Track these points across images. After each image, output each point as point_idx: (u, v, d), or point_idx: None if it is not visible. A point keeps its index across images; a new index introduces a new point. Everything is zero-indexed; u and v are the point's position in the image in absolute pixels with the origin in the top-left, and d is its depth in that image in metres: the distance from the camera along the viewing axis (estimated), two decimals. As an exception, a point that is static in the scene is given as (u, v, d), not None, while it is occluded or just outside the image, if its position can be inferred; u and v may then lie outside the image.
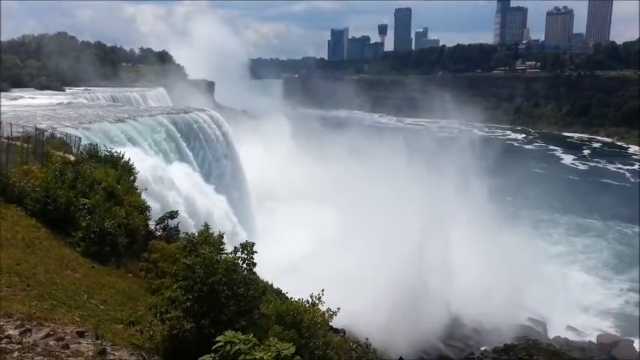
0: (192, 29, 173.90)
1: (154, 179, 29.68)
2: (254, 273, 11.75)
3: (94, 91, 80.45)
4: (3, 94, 61.99)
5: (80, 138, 28.59)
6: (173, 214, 21.38)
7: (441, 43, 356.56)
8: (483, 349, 38.30)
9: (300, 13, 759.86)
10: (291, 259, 37.81)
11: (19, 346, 7.66)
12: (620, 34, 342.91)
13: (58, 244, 15.47)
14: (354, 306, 30.06)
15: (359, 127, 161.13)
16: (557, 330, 47.36)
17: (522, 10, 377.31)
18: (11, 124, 24.21)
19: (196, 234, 12.47)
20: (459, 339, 39.11)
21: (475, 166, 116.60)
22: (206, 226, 13.27)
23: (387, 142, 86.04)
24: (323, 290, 16.01)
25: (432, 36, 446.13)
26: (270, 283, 25.90)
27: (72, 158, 22.61)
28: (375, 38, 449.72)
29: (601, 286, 60.93)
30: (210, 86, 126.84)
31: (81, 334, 8.61)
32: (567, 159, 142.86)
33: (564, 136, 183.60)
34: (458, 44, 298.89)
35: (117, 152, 25.00)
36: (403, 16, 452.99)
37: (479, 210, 63.48)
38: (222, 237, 12.33)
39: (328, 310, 15.05)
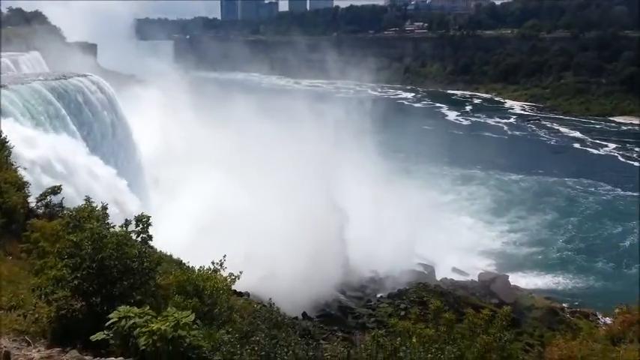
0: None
1: (33, 152, 27.30)
2: (151, 247, 11.52)
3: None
4: None
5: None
6: (55, 190, 19.88)
7: (334, 4, 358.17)
8: (379, 295, 41.18)
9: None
10: (191, 227, 37.16)
11: None
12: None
13: None
14: (256, 269, 30.63)
15: (257, 90, 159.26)
16: (444, 272, 52.15)
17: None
18: None
19: (78, 209, 11.86)
20: (358, 289, 41.69)
21: (370, 124, 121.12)
22: (88, 199, 12.62)
23: (286, 104, 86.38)
24: (225, 256, 16.13)
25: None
26: (169, 253, 25.47)
27: None
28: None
29: (483, 229, 67.72)
30: (91, 49, 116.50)
31: (-47, 325, 8.01)
32: (452, 115, 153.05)
33: (449, 93, 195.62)
34: (351, 5, 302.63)
35: (-16, 125, 22.51)
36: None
37: (373, 166, 66.75)
38: (106, 209, 11.87)
39: (230, 275, 15.23)
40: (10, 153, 21.93)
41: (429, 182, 79.41)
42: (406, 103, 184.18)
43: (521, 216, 71.88)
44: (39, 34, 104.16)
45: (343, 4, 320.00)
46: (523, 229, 67.93)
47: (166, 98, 72.95)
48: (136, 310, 8.44)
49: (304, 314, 34.58)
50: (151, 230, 11.57)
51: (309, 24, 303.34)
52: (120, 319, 8.17)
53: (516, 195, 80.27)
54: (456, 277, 51.09)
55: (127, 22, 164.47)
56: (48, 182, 24.27)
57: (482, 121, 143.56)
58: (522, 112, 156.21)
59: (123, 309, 8.37)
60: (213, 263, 14.23)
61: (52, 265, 10.41)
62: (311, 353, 10.29)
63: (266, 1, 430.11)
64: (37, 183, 23.69)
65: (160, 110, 67.36)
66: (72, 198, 21.94)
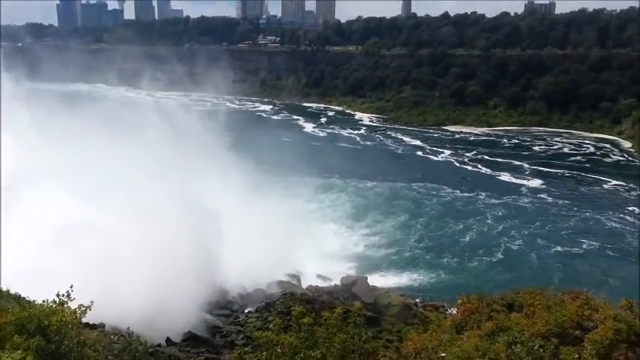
0: None
1: None
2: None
3: None
4: None
5: None
6: None
7: (185, 14, 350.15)
8: (248, 310, 40.60)
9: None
10: (33, 255, 32.76)
11: None
12: (344, 12, 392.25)
13: None
14: (112, 295, 28.15)
15: (106, 103, 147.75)
16: (310, 279, 53.44)
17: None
18: None
19: None
20: (225, 306, 40.63)
21: (231, 137, 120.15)
22: None
23: (139, 119, 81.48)
24: (72, 286, 14.60)
25: (175, 6, 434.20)
26: (5, 289, 22.35)
27: None
28: (113, 5, 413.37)
29: (345, 234, 71.02)
30: None
31: None
32: (309, 127, 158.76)
33: (305, 106, 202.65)
34: (202, 16, 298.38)
35: None
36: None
37: (236, 179, 66.19)
38: None
39: (80, 306, 13.82)
40: None
41: (292, 192, 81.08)
42: (265, 115, 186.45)
43: (377, 220, 76.85)
44: None
45: (194, 15, 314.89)
46: (380, 232, 72.68)
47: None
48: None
49: (168, 340, 32.69)
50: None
51: (159, 33, 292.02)
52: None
53: (372, 200, 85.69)
54: (321, 283, 52.69)
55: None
56: None
57: (336, 132, 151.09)
58: (371, 123, 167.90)
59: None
60: (58, 295, 12.89)
61: None
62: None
63: (109, 8, 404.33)
64: None
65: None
66: None
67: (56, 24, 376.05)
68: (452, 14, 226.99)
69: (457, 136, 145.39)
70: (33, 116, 68.00)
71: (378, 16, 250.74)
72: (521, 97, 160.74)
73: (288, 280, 50.10)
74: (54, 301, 12.72)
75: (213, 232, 42.51)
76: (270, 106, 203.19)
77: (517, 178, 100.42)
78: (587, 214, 79.66)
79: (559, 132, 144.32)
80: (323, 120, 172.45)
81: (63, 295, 13.16)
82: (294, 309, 20.68)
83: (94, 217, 35.39)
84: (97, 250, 32.51)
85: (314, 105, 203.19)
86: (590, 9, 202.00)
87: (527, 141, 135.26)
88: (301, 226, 66.06)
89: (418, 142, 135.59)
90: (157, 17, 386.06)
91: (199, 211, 42.99)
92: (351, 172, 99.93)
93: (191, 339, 33.59)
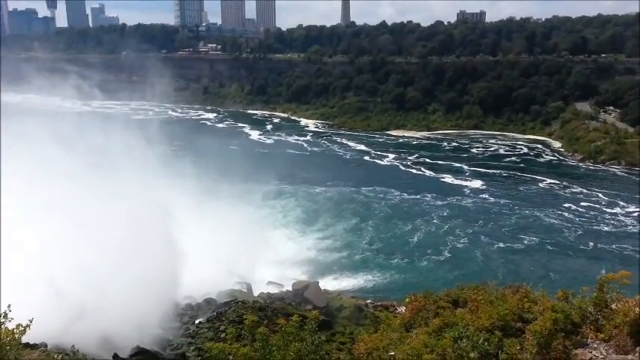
0: None
1: None
2: None
3: None
4: None
5: None
6: None
7: (121, 22, 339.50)
8: (198, 321, 39.68)
9: None
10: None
11: None
12: (284, 20, 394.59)
13: None
14: (57, 313, 26.94)
15: (39, 115, 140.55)
16: (261, 286, 53.04)
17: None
18: None
19: None
20: (175, 319, 39.56)
21: (176, 146, 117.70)
22: None
23: (75, 129, 78.25)
24: (9, 306, 13.96)
25: (110, 13, 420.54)
26: None
27: None
28: (43, 12, 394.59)
29: (297, 239, 71.10)
30: None
31: None
32: (255, 134, 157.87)
33: (249, 113, 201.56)
34: (139, 23, 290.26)
35: None
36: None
37: (183, 188, 64.71)
38: None
39: (18, 326, 13.22)
40: None
41: (241, 199, 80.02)
42: (209, 123, 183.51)
43: (328, 224, 77.67)
44: None
45: (130, 22, 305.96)
46: (331, 235, 73.45)
47: None
48: None
49: (115, 356, 31.43)
50: None
51: (94, 41, 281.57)
52: None
53: (322, 205, 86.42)
54: (273, 290, 52.43)
55: None
56: None
57: (283, 139, 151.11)
58: (316, 129, 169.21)
59: None
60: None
61: None
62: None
63: (40, 16, 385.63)
64: None
65: None
66: None
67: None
68: (389, 23, 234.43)
69: (400, 140, 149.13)
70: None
71: (318, 24, 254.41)
72: (458, 101, 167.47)
73: (239, 288, 49.50)
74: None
75: (162, 243, 41.31)
76: (214, 114, 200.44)
77: (459, 179, 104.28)
78: (527, 211, 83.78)
79: (494, 134, 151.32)
80: (269, 127, 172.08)
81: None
82: (246, 317, 20.59)
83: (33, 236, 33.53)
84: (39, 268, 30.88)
85: (259, 112, 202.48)
86: (518, 18, 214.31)
87: (466, 144, 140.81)
88: (252, 233, 65.38)
89: (363, 147, 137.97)
90: (90, 25, 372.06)
91: (146, 223, 41.62)
92: (300, 178, 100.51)
93: (140, 354, 32.46)
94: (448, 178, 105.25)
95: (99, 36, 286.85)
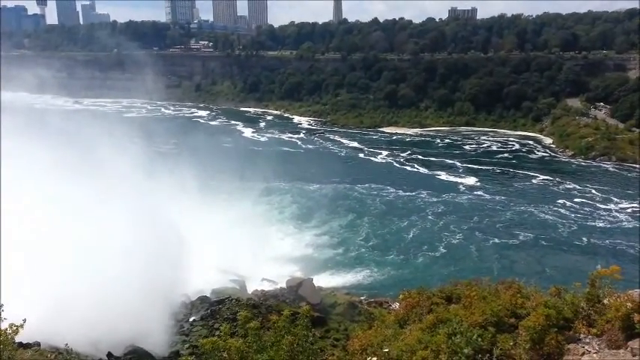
0: None
1: None
2: None
3: None
4: None
5: None
6: None
7: (111, 19, 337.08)
8: (192, 319, 39.68)
9: None
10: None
11: None
12: (276, 17, 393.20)
13: None
14: (52, 314, 26.85)
15: (31, 112, 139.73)
16: (255, 284, 53.05)
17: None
18: None
19: None
20: (169, 317, 39.48)
21: (171, 144, 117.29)
22: None
23: (69, 127, 78.14)
24: (1, 306, 13.88)
25: (100, 10, 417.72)
26: None
27: None
28: (33, 9, 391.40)
29: (292, 236, 71.12)
30: None
31: None
32: (248, 132, 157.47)
33: (242, 110, 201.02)
34: (130, 20, 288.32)
35: None
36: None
37: (177, 185, 64.77)
38: None
39: (11, 325, 13.15)
40: None
41: (237, 196, 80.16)
42: (202, 121, 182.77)
43: (323, 220, 77.77)
44: None
45: (121, 19, 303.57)
46: (326, 232, 73.58)
47: None
48: None
49: (109, 355, 31.41)
50: None
51: (84, 38, 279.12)
52: None
53: (317, 201, 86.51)
54: (267, 287, 52.49)
55: None
56: None
57: (277, 136, 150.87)
58: (309, 126, 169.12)
59: None
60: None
61: None
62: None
63: (30, 12, 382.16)
64: None
65: None
66: None
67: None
68: (381, 20, 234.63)
69: (394, 137, 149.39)
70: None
71: (310, 21, 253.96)
72: (450, 98, 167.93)
73: (234, 285, 49.51)
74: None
75: (162, 244, 41.17)
76: (207, 112, 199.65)
77: (453, 176, 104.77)
78: (521, 207, 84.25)
79: (485, 131, 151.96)
80: (262, 124, 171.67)
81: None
82: (240, 314, 20.55)
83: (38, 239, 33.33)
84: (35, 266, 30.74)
85: (251, 110, 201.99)
86: (509, 14, 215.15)
87: (458, 140, 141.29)
88: (247, 230, 65.35)
89: (357, 144, 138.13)
90: (81, 22, 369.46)
91: (148, 226, 41.46)
92: (295, 175, 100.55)
93: (134, 352, 32.47)
94: (442, 175, 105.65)
95: (89, 33, 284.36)
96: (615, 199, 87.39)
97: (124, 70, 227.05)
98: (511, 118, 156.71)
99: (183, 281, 42.95)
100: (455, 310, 17.57)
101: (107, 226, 36.94)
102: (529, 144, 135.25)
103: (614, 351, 12.78)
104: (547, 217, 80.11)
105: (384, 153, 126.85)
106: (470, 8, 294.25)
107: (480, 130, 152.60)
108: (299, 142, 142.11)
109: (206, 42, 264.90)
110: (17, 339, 14.02)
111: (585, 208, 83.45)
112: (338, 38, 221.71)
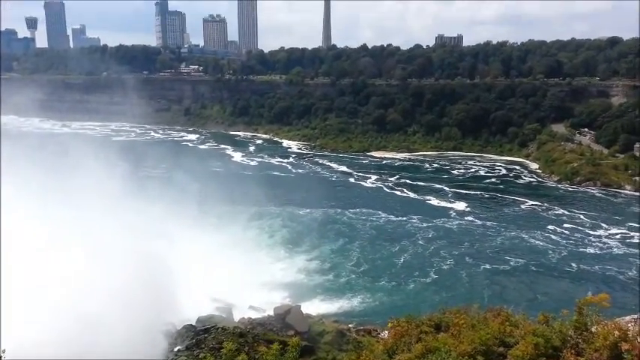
0: None
1: None
2: None
3: None
4: None
5: None
6: None
7: (102, 43, 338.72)
8: (177, 349, 38.75)
9: None
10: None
11: None
12: (266, 43, 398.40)
13: None
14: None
15: (20, 137, 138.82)
16: (242, 311, 52.10)
17: (180, 15, 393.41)
18: None
19: None
20: (155, 348, 38.46)
21: (162, 169, 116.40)
22: None
23: (55, 151, 77.78)
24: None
25: (91, 34, 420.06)
26: None
27: None
28: (24, 33, 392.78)
29: (281, 262, 70.26)
30: None
31: None
32: (237, 156, 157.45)
33: (232, 134, 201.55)
34: (120, 44, 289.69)
35: None
36: (55, 11, 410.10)
37: (165, 212, 64.17)
38: None
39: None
40: None
41: (226, 220, 79.21)
42: (191, 145, 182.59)
43: (314, 245, 77.21)
44: None
45: (112, 43, 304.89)
46: (317, 256, 73.00)
47: None
48: None
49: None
50: None
51: (74, 62, 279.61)
52: None
53: (307, 226, 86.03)
54: (254, 315, 51.43)
55: None
56: None
57: (266, 161, 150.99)
58: (299, 150, 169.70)
59: None
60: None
61: None
62: None
63: (20, 36, 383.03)
64: None
65: None
66: None
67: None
68: (369, 46, 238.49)
69: (383, 162, 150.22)
70: None
71: (300, 47, 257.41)
72: (437, 123, 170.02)
73: (220, 313, 48.61)
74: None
75: (150, 275, 40.52)
76: (197, 136, 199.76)
77: (442, 201, 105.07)
78: (511, 233, 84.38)
79: (473, 156, 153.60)
80: (251, 148, 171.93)
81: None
82: (225, 346, 20.12)
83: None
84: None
85: (241, 133, 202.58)
86: (494, 42, 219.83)
87: (447, 165, 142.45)
88: (236, 255, 64.60)
89: (346, 169, 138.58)
90: (71, 45, 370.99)
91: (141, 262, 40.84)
92: (285, 199, 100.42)
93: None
94: (431, 200, 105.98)
95: (79, 57, 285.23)
96: (604, 225, 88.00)
97: (113, 94, 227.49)
98: (497, 144, 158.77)
99: (170, 310, 42.10)
100: (443, 339, 17.39)
101: (93, 259, 36.40)
102: (516, 169, 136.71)
103: (603, 381, 12.70)
104: (537, 242, 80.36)
105: (374, 177, 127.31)
106: (456, 35, 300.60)
107: (467, 155, 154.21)
108: (289, 167, 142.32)
109: (196, 66, 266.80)
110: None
111: (575, 234, 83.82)
112: (327, 64, 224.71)
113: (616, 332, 13.71)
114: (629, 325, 15.54)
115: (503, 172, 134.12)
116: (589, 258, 74.18)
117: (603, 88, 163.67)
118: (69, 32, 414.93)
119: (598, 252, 76.50)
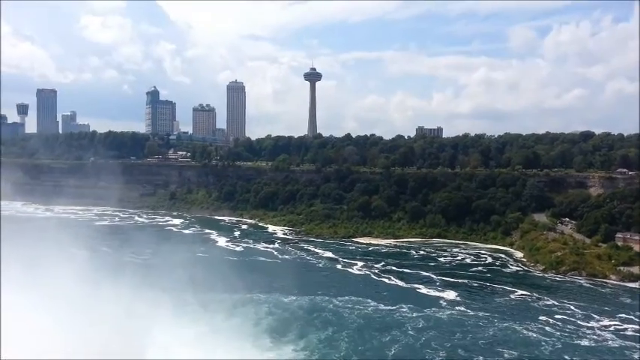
0: None
1: None
2: None
3: None
4: None
5: None
6: None
7: (91, 129, 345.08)
8: None
9: None
10: None
11: None
12: (254, 131, 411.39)
13: None
14: None
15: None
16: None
17: (171, 104, 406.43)
18: None
19: None
20: None
21: (143, 256, 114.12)
22: None
23: (34, 236, 76.34)
24: None
25: (81, 120, 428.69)
26: None
27: None
28: (13, 118, 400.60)
29: (269, 351, 67.24)
30: None
31: None
32: (222, 241, 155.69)
33: (217, 219, 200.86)
34: (110, 131, 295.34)
35: None
36: (48, 98, 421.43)
37: (141, 300, 62.20)
38: None
39: None
40: None
41: (210, 308, 76.56)
42: (176, 229, 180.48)
43: (301, 334, 74.53)
44: None
45: (101, 130, 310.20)
46: (304, 347, 70.21)
47: None
48: None
49: None
50: None
51: (62, 147, 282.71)
52: None
53: (294, 313, 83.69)
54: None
55: None
56: None
57: (252, 246, 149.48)
58: (284, 236, 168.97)
59: None
60: None
61: None
62: None
63: (9, 121, 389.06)
64: None
65: None
66: None
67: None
68: (354, 135, 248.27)
69: (369, 248, 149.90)
70: None
71: (286, 135, 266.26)
72: (421, 210, 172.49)
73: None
74: None
75: None
76: (181, 220, 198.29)
77: (430, 289, 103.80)
78: (504, 324, 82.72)
79: (457, 243, 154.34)
80: (237, 233, 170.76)
81: None
82: None
83: None
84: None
85: (226, 218, 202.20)
86: (472, 134, 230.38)
87: (432, 252, 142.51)
88: (220, 344, 61.77)
89: (332, 255, 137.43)
90: (60, 131, 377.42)
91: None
92: (270, 286, 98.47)
93: None
94: (420, 288, 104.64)
95: (68, 142, 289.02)
96: (595, 316, 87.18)
97: (99, 179, 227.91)
98: (481, 231, 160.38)
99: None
100: None
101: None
102: (501, 257, 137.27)
103: None
104: (530, 334, 78.81)
105: (360, 264, 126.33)
106: (436, 127, 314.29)
107: (452, 242, 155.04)
108: (274, 252, 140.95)
109: (184, 152, 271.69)
110: None
111: (568, 326, 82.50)
112: (313, 151, 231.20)
113: None
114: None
115: (490, 260, 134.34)
116: (584, 351, 72.77)
117: (581, 179, 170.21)
118: (59, 118, 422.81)
119: (593, 344, 75.18)
